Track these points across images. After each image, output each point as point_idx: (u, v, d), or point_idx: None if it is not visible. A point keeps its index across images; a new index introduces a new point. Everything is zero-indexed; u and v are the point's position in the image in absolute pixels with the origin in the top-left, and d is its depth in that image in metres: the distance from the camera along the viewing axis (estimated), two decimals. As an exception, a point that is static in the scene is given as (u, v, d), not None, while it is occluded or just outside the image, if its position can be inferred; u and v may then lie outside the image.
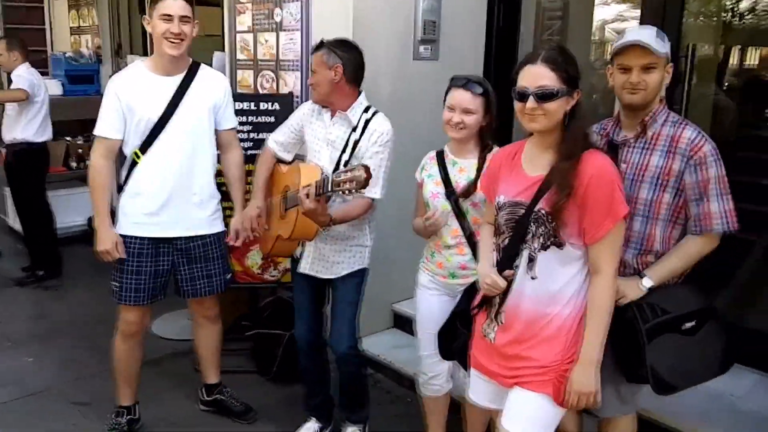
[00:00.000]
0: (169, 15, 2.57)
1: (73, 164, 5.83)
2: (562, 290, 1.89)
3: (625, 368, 2.05)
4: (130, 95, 2.66)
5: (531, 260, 1.89)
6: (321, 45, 2.60)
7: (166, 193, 2.71)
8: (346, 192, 2.24)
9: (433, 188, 2.47)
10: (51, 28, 6.73)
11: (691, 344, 2.01)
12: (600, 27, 6.85)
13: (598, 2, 4.99)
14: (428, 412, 2.71)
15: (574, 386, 1.85)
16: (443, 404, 2.69)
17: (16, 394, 3.33)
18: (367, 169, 2.20)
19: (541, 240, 1.86)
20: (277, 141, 2.83)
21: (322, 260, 2.69)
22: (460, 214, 2.40)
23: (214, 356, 3.11)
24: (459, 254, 2.43)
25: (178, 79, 2.70)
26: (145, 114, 2.65)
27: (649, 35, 2.00)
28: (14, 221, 5.60)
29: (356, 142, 2.57)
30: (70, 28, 6.48)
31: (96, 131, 2.72)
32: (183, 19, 2.59)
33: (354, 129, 2.58)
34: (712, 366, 2.05)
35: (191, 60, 2.79)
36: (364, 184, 2.20)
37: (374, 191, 2.54)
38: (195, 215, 2.79)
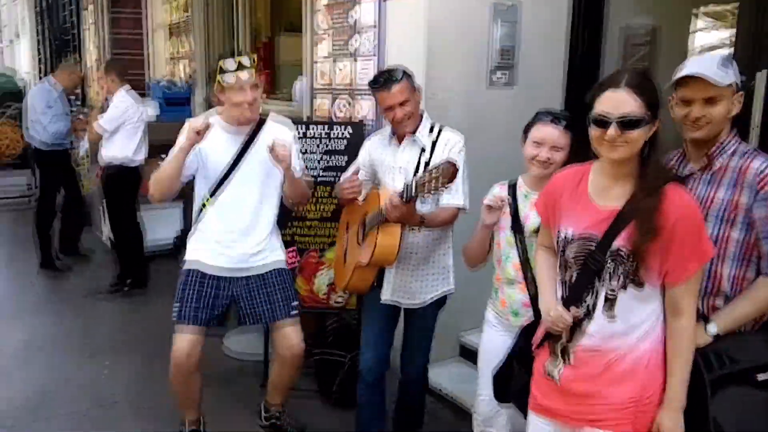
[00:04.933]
0: (240, 85, 2.69)
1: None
2: (640, 327, 1.78)
3: (687, 421, 1.87)
4: (205, 143, 2.74)
5: (609, 300, 1.78)
6: (401, 75, 2.55)
7: (231, 237, 2.84)
8: (434, 190, 2.19)
9: (500, 219, 2.38)
10: (150, 56, 7.20)
11: (766, 399, 1.83)
12: (699, 54, 6.53)
13: (694, 28, 4.75)
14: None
15: (664, 430, 1.76)
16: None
17: (90, 402, 3.49)
18: (450, 161, 2.15)
19: (621, 280, 1.76)
20: None
21: (405, 288, 2.66)
22: (523, 249, 2.31)
23: (284, 386, 3.09)
24: (521, 292, 2.33)
25: (246, 130, 2.84)
26: (213, 163, 2.81)
27: (710, 65, 1.86)
28: (109, 233, 5.92)
29: (427, 163, 2.55)
30: (168, 56, 6.88)
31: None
32: (253, 88, 2.72)
33: (423, 150, 2.58)
34: (791, 423, 1.87)
35: (260, 113, 2.90)
36: (452, 176, 2.14)
37: (458, 199, 2.52)
38: (256, 258, 2.90)
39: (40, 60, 10.11)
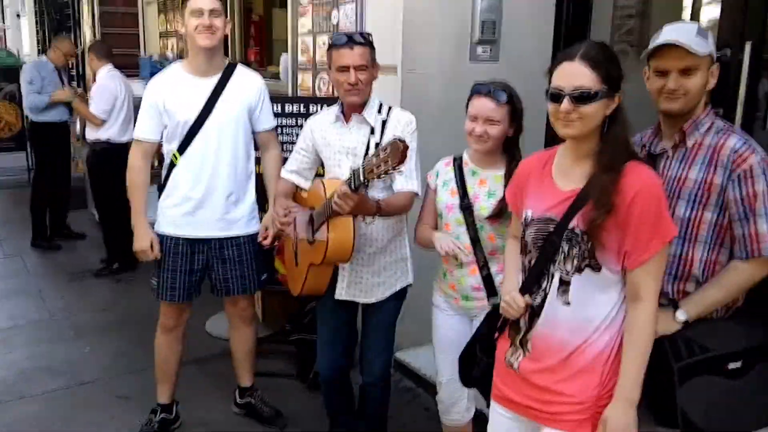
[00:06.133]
0: (200, 9, 2.61)
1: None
2: (598, 317, 1.69)
3: (655, 409, 1.80)
4: (167, 97, 2.69)
5: (563, 284, 1.70)
6: (366, 40, 2.37)
7: (202, 193, 2.73)
8: (383, 174, 1.97)
9: (447, 198, 2.29)
10: (144, 32, 7.09)
11: (736, 388, 1.76)
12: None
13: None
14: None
15: (609, 427, 1.64)
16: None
17: (66, 383, 3.47)
18: (400, 139, 1.92)
19: (575, 261, 1.67)
20: (291, 170, 2.63)
21: (360, 283, 2.47)
22: (473, 230, 2.21)
23: (247, 359, 3.09)
24: (471, 275, 2.24)
25: (213, 80, 2.71)
26: (181, 116, 2.67)
27: (688, 33, 1.76)
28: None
29: (377, 145, 2.39)
30: (159, 32, 6.76)
31: (134, 134, 2.79)
32: (213, 12, 2.62)
33: (372, 131, 2.41)
34: (763, 414, 1.79)
35: (227, 61, 2.80)
36: (402, 156, 1.90)
37: (412, 184, 2.34)
38: (230, 216, 2.78)
39: (38, 40, 10.05)
